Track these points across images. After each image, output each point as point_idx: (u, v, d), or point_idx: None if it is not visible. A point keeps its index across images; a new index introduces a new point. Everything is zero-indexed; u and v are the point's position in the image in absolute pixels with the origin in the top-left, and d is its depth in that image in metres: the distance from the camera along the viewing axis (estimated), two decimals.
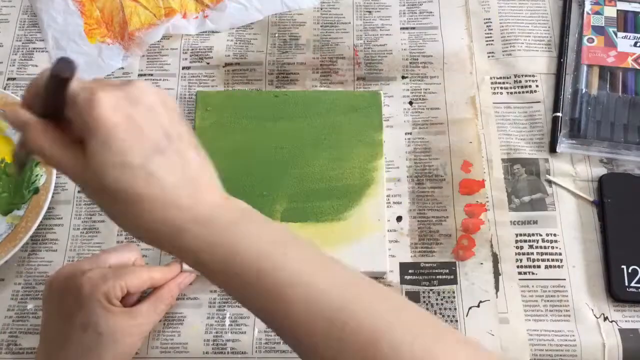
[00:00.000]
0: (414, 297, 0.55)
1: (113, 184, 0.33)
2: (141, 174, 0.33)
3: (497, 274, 0.55)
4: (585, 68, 0.63)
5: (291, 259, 0.34)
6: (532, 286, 0.55)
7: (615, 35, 0.64)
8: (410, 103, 0.63)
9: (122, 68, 0.66)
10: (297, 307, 0.33)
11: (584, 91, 0.62)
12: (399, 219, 0.58)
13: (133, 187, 0.33)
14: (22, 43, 0.68)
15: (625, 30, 0.64)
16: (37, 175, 0.58)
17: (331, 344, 0.32)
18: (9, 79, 0.66)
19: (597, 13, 0.66)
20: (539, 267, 0.56)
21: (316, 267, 0.35)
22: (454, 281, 0.55)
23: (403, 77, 0.65)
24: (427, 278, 0.56)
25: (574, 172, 0.60)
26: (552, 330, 0.53)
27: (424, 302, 0.55)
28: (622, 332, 0.53)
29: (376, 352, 0.31)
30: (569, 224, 0.57)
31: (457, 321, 0.54)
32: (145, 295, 0.50)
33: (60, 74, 0.32)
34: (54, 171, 0.58)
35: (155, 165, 0.33)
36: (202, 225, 0.34)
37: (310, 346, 0.33)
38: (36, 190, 0.58)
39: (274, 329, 0.35)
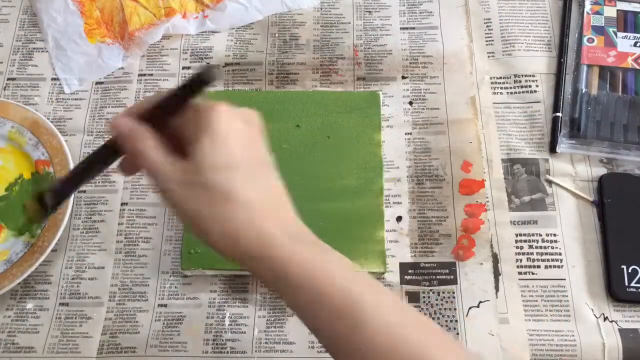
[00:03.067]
0: (413, 297, 0.55)
1: (217, 183, 0.34)
2: (244, 179, 0.35)
3: (497, 274, 0.55)
4: (585, 68, 0.63)
5: (370, 292, 0.36)
6: (532, 286, 0.55)
7: (615, 35, 0.64)
8: (410, 103, 0.63)
9: (122, 68, 0.66)
10: (379, 338, 0.34)
11: (584, 91, 0.62)
12: (399, 219, 0.58)
13: (234, 189, 0.34)
14: (22, 43, 0.68)
15: (625, 30, 0.64)
16: None
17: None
18: (9, 79, 0.66)
19: (597, 13, 0.66)
20: (538, 267, 0.56)
21: (387, 298, 0.37)
22: (454, 281, 0.55)
23: (403, 77, 0.65)
24: (427, 278, 0.56)
25: (573, 172, 0.60)
26: (552, 330, 0.53)
27: (424, 302, 0.55)
28: (622, 332, 0.53)
29: None
30: (569, 224, 0.57)
31: (457, 321, 0.54)
32: None
33: (206, 79, 0.34)
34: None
35: (258, 176, 0.36)
36: (292, 239, 0.35)
37: None
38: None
39: (341, 348, 0.36)
